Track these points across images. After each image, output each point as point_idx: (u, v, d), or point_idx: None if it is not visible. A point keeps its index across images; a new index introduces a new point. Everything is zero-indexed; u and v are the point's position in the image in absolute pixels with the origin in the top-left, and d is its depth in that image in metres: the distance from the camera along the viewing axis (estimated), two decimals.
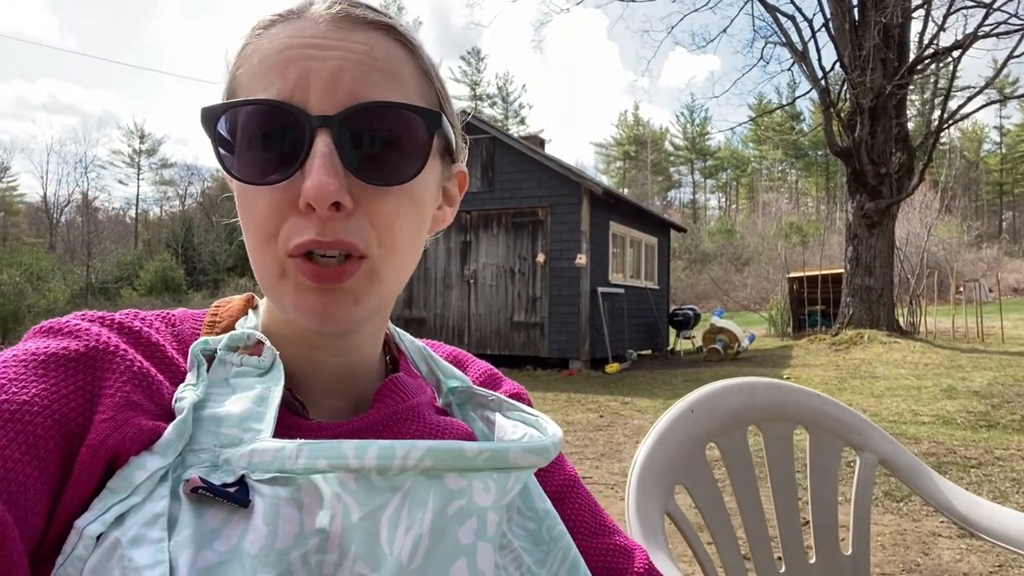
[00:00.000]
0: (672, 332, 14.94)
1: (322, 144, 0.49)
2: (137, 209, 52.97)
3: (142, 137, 52.26)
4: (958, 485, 1.19)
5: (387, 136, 0.51)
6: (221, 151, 0.52)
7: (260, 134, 0.50)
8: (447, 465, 0.47)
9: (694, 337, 14.58)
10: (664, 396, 8.32)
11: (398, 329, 0.70)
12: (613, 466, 4.88)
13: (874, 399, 7.60)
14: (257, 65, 0.52)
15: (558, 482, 0.68)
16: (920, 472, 1.19)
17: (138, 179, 52.27)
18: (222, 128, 0.51)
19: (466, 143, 0.65)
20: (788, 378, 9.54)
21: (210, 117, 0.51)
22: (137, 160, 52.14)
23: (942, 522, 3.55)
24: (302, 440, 0.46)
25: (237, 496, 0.45)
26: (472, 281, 11.97)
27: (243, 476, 0.46)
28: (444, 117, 0.54)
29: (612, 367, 11.10)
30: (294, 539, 0.44)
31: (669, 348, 14.83)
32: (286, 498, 0.45)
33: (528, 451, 0.51)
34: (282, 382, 0.53)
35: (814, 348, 12.19)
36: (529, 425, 0.60)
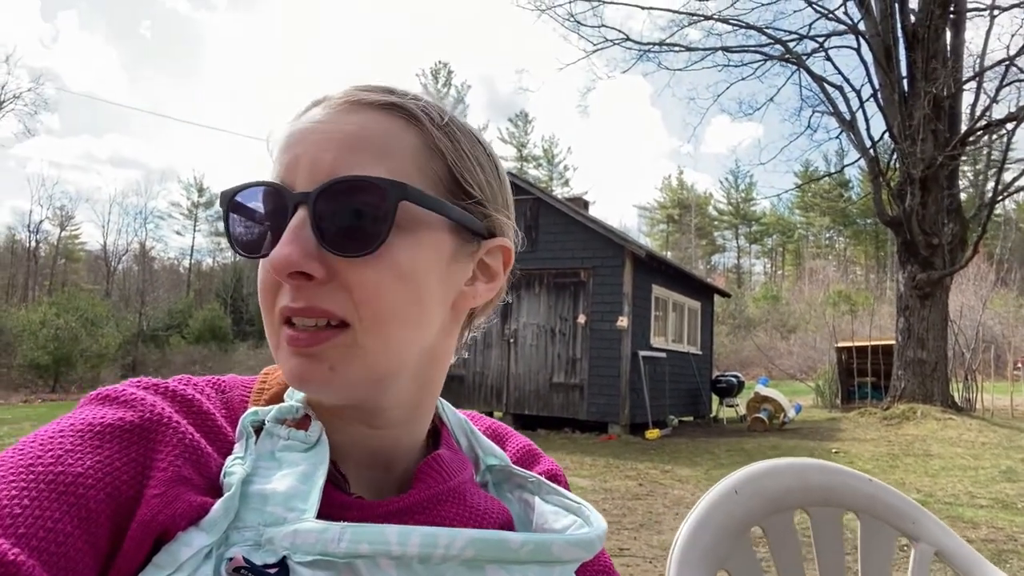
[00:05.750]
0: (715, 399, 14.61)
1: (296, 218, 0.52)
2: (191, 259, 54.69)
3: (200, 190, 54.31)
4: None
5: (354, 208, 0.52)
6: (230, 228, 0.56)
7: (257, 212, 0.55)
8: (490, 556, 0.46)
9: (738, 405, 14.22)
10: (706, 465, 8.09)
11: (442, 400, 0.70)
12: (652, 538, 4.72)
13: (928, 478, 7.26)
14: (276, 151, 0.57)
15: (592, 572, 0.66)
16: (979, 566, 1.13)
17: (194, 230, 54.10)
18: (234, 208, 0.56)
19: (508, 217, 0.64)
20: (837, 452, 9.19)
21: (223, 199, 0.56)
22: (194, 212, 54.06)
23: None
24: (345, 523, 0.46)
25: None
26: (512, 340, 11.95)
27: (284, 558, 0.46)
28: (410, 188, 0.53)
29: (653, 433, 10.87)
30: None
31: (712, 415, 14.49)
32: None
33: (573, 544, 0.50)
34: (327, 460, 0.53)
35: (864, 422, 11.78)
36: (571, 512, 0.59)
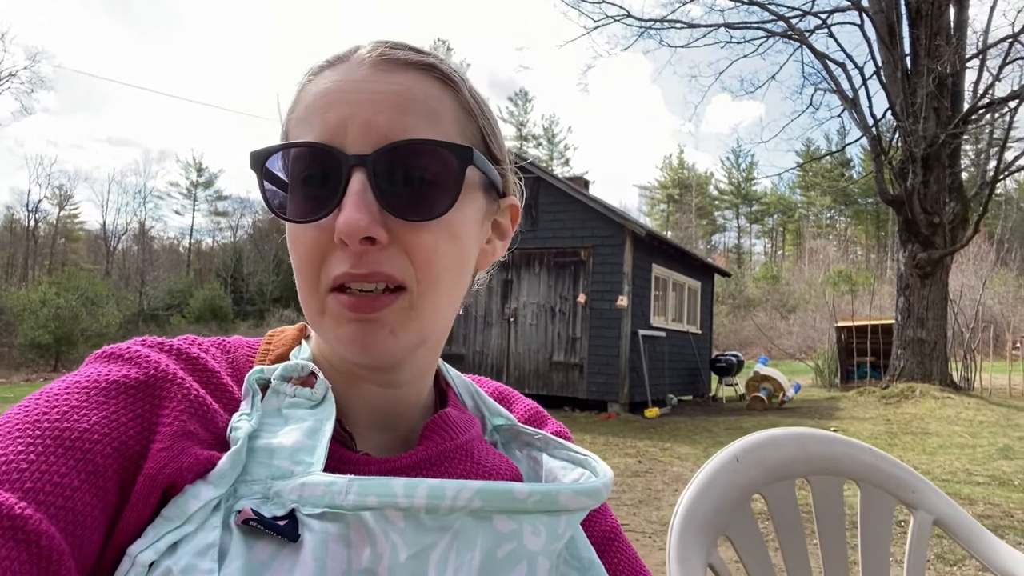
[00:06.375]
0: (714, 378, 14.66)
1: (356, 182, 0.50)
2: (191, 239, 54.55)
3: (199, 170, 54.07)
4: (1017, 550, 1.13)
5: (419, 173, 0.52)
6: (267, 191, 0.54)
7: (302, 174, 0.52)
8: (497, 507, 0.47)
9: (737, 384, 14.28)
10: (705, 443, 8.13)
11: (445, 364, 0.70)
12: (651, 514, 4.76)
13: (926, 456, 7.31)
14: (304, 110, 0.54)
15: (600, 532, 0.66)
16: (978, 535, 1.14)
17: (193, 210, 53.91)
18: (268, 170, 0.54)
19: (519, 178, 0.66)
20: (836, 431, 9.22)
21: (258, 159, 0.54)
22: (193, 192, 53.83)
23: None
24: (352, 476, 0.46)
25: (287, 530, 0.45)
26: (512, 319, 11.97)
27: (293, 510, 0.46)
28: (476, 152, 0.54)
29: (652, 411, 10.92)
30: None
31: (711, 394, 14.55)
32: (335, 534, 0.45)
33: (579, 493, 0.50)
34: (333, 415, 0.53)
35: (863, 401, 11.82)
36: (578, 464, 0.59)
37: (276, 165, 0.53)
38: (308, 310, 0.54)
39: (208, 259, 51.90)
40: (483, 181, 0.57)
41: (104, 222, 48.67)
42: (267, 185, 0.54)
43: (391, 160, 0.51)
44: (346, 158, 0.51)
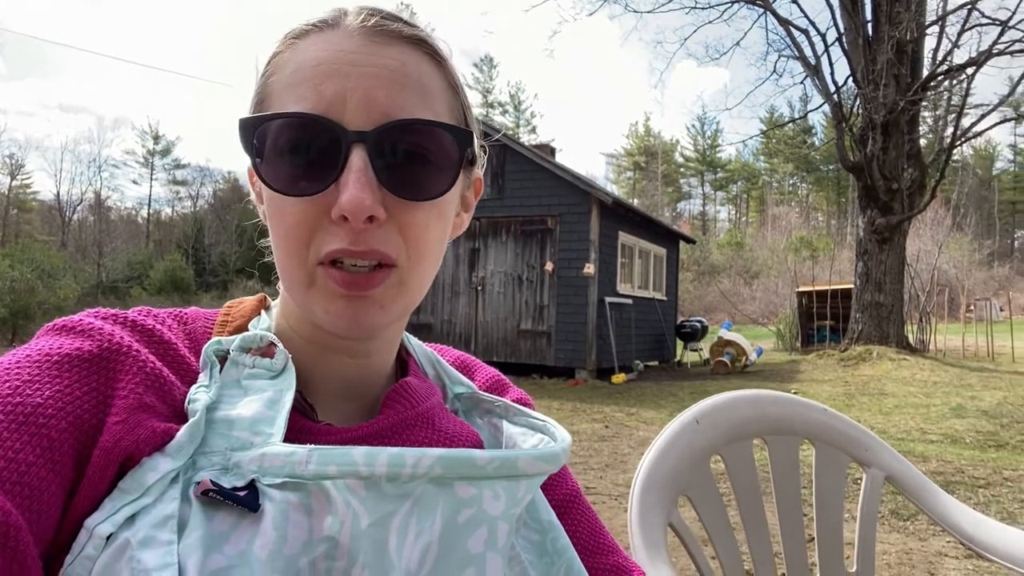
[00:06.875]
0: (679, 344, 14.89)
1: (358, 159, 0.50)
2: (149, 209, 53.29)
3: (156, 138, 52.61)
4: (965, 505, 1.18)
5: (420, 152, 0.52)
6: (257, 160, 0.52)
7: (297, 146, 0.51)
8: (457, 473, 0.47)
9: (701, 349, 14.52)
10: (670, 408, 8.29)
11: (406, 334, 0.70)
12: (617, 477, 4.86)
13: (882, 416, 7.54)
14: (291, 76, 0.53)
15: (560, 496, 0.68)
16: (927, 490, 1.19)
17: (151, 179, 52.59)
18: (259, 138, 0.52)
19: (485, 151, 0.66)
20: (795, 393, 9.45)
21: (248, 127, 0.52)
22: (150, 160, 52.48)
23: (948, 542, 3.52)
24: (313, 446, 0.47)
25: (247, 500, 0.45)
26: (480, 288, 11.97)
27: (253, 480, 0.46)
28: (473, 135, 0.55)
29: (618, 377, 11.07)
30: (303, 545, 0.44)
31: (676, 360, 14.78)
32: (296, 504, 0.45)
33: (538, 458, 0.51)
34: (294, 385, 0.53)
35: (822, 363, 12.12)
36: (537, 430, 0.60)
37: (267, 133, 0.52)
38: (292, 282, 0.54)
39: (168, 230, 50.82)
40: (468, 159, 0.58)
41: (58, 192, 47.31)
42: (257, 154, 0.52)
43: (392, 138, 0.51)
44: (346, 133, 0.50)
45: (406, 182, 0.52)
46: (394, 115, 0.51)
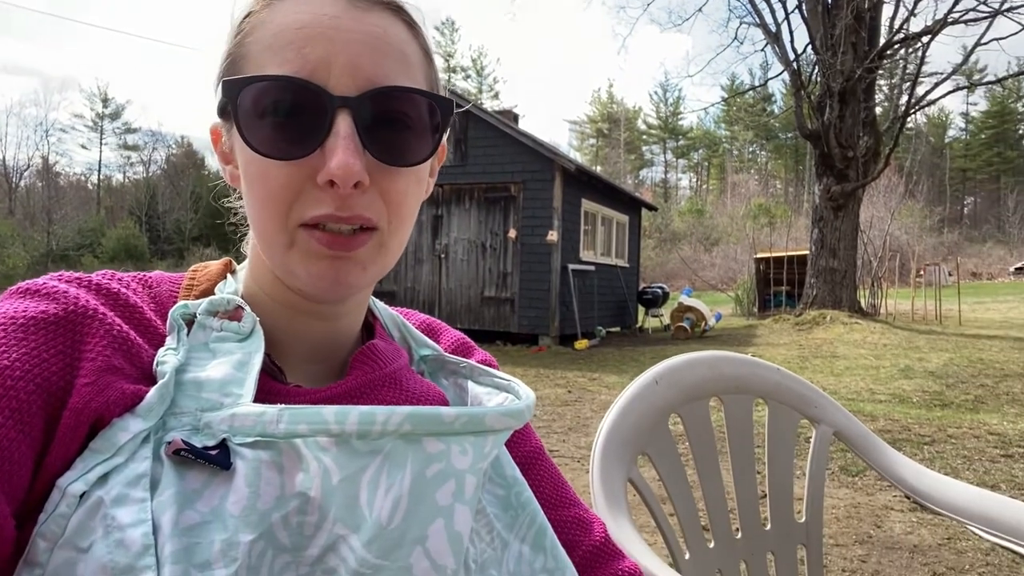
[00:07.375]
0: (641, 310, 15.09)
1: (344, 124, 0.51)
2: (100, 175, 51.65)
3: (105, 101, 50.78)
4: (911, 460, 1.24)
5: (403, 119, 0.54)
6: (239, 122, 0.52)
7: (282, 109, 0.51)
8: (425, 430, 0.49)
9: (662, 315, 14.75)
10: (631, 372, 8.43)
11: (373, 298, 0.71)
12: (580, 440, 4.95)
13: (834, 377, 7.78)
14: (272, 38, 0.53)
15: (524, 452, 0.70)
16: (873, 445, 1.24)
17: (100, 144, 50.90)
18: (242, 100, 0.52)
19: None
20: (752, 356, 9.68)
21: (232, 89, 0.52)
22: (100, 124, 50.71)
23: (895, 496, 3.68)
24: (283, 405, 0.48)
25: (219, 459, 0.46)
26: (443, 255, 11.93)
27: (224, 440, 0.47)
28: (453, 104, 0.57)
29: (581, 343, 11.20)
30: (275, 501, 0.45)
31: (638, 326, 14.99)
32: (267, 461, 0.46)
33: (503, 415, 0.53)
34: (262, 348, 0.54)
35: (778, 328, 12.42)
36: (502, 389, 0.62)
37: (250, 96, 0.51)
38: (271, 244, 0.54)
39: (120, 196, 49.35)
40: (442, 126, 0.59)
41: (3, 157, 45.48)
42: (239, 116, 0.52)
43: (377, 104, 0.52)
44: (332, 98, 0.51)
45: (390, 148, 0.53)
46: (378, 82, 0.52)
